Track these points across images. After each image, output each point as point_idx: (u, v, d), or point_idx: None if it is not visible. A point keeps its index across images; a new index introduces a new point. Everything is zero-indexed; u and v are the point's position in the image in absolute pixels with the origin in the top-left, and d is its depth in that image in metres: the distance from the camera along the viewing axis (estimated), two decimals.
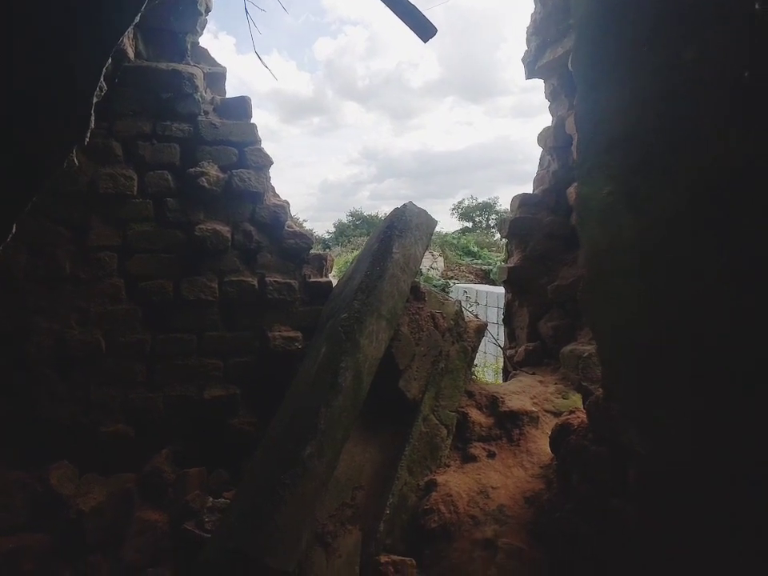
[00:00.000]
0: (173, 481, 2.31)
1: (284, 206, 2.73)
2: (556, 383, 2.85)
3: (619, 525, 1.43)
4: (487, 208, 32.96)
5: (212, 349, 2.62)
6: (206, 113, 2.64)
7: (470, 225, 31.48)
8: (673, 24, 1.22)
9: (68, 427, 2.40)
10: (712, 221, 1.10)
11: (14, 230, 1.98)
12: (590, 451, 1.61)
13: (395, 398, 2.34)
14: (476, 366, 3.79)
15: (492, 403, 2.54)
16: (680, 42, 1.19)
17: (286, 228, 2.74)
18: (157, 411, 2.50)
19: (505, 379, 3.39)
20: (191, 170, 2.55)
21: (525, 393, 2.69)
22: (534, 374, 3.05)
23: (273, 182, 2.75)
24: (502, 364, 3.83)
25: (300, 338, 2.69)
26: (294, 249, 2.75)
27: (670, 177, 1.24)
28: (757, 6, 1.06)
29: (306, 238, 2.78)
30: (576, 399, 2.58)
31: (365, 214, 32.09)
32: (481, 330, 2.69)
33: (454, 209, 34.06)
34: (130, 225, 2.53)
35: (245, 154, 2.67)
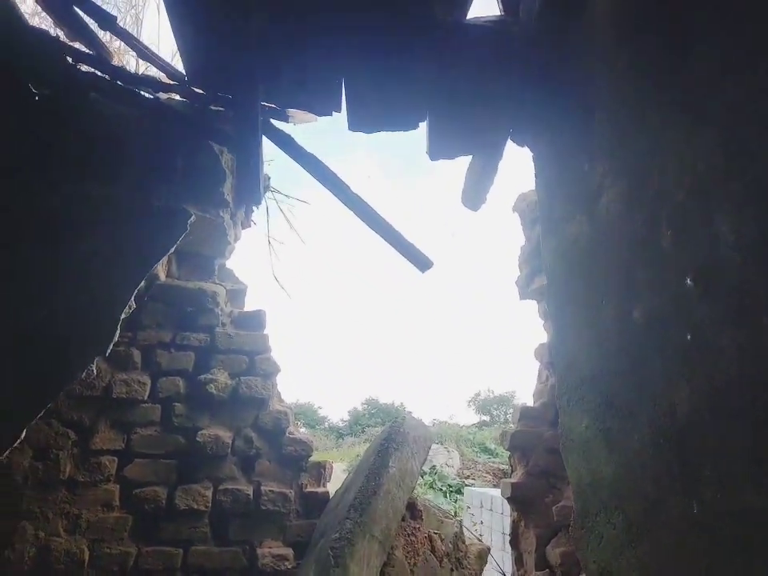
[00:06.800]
0: None
1: (287, 413, 2.81)
2: None
3: None
4: (505, 401, 32.30)
5: (197, 565, 2.48)
6: (224, 324, 2.88)
7: (487, 418, 30.53)
8: (623, 284, 1.41)
9: None
10: (671, 465, 1.14)
11: (23, 435, 2.06)
12: None
13: None
14: None
15: None
16: (630, 302, 1.36)
17: (287, 434, 2.78)
18: None
19: None
20: (202, 376, 2.70)
21: None
22: None
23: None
24: None
25: (291, 555, 2.55)
26: (293, 456, 2.76)
27: (634, 418, 1.31)
28: (688, 282, 1.23)
29: (305, 446, 2.79)
30: None
31: (381, 402, 31.53)
32: (483, 555, 2.53)
33: (470, 401, 33.52)
34: (135, 429, 2.60)
35: (255, 362, 2.83)
